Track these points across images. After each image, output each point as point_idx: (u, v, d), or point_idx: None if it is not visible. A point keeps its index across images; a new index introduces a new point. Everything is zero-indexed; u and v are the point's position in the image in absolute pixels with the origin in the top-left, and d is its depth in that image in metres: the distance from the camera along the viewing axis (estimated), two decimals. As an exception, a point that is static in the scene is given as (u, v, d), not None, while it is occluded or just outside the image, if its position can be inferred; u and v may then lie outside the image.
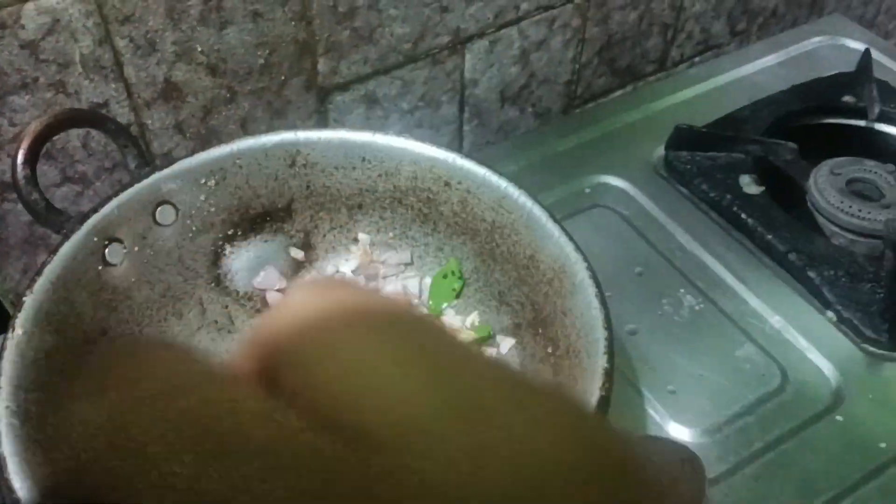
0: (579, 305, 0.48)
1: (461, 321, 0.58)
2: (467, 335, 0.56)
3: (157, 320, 0.54)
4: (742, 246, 0.68)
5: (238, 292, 0.58)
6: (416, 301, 0.59)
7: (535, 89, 0.82)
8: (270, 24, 0.62)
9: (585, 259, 0.49)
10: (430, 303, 0.60)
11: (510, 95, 0.81)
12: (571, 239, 0.50)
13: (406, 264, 0.60)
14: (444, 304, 0.59)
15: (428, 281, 0.60)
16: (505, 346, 0.55)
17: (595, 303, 0.47)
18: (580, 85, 0.86)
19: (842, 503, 0.53)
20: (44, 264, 0.48)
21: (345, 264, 0.61)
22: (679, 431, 0.57)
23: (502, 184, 0.54)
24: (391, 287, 0.60)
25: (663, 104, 0.84)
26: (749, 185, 0.72)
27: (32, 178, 0.49)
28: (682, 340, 0.62)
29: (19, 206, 0.61)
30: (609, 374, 0.43)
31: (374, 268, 0.60)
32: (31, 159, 0.49)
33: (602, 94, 0.89)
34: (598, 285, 0.48)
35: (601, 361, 0.44)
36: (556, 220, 0.52)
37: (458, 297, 0.59)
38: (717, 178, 0.72)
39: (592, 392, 0.43)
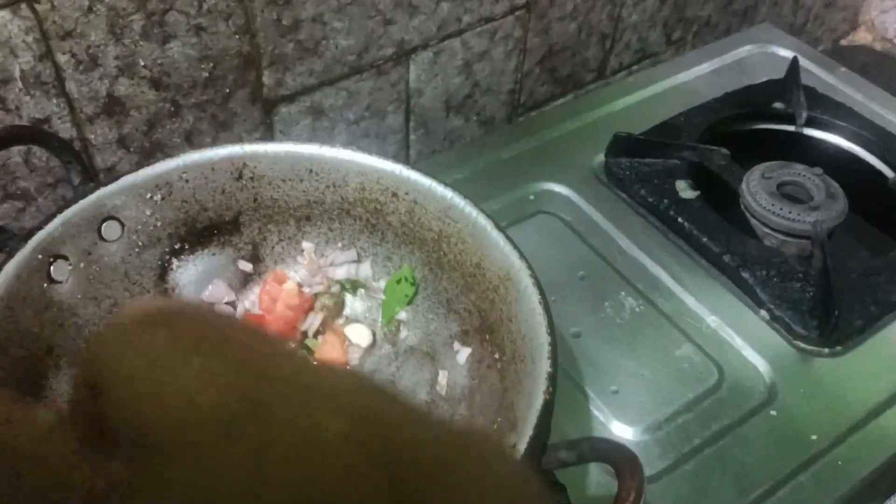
0: (524, 311, 0.50)
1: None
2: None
3: (105, 336, 0.54)
4: (679, 249, 0.71)
5: (186, 306, 0.58)
6: (369, 285, 0.61)
7: (479, 98, 0.84)
8: (214, 38, 0.62)
9: (529, 266, 0.51)
10: (384, 307, 0.61)
11: (455, 105, 0.83)
12: (516, 247, 0.52)
13: (353, 262, 0.61)
14: (397, 309, 0.60)
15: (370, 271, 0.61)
16: (462, 355, 0.56)
17: (539, 309, 0.48)
18: (523, 93, 0.88)
19: (777, 494, 0.56)
20: (-13, 280, 0.48)
21: (293, 276, 0.61)
22: (622, 430, 0.59)
23: (448, 194, 0.55)
24: (342, 272, 0.61)
25: (603, 112, 0.86)
26: (685, 189, 0.74)
27: (-27, 197, 0.49)
28: (624, 341, 0.64)
29: (-41, 223, 0.60)
30: (553, 378, 0.45)
31: (323, 270, 0.61)
32: (-28, 177, 0.49)
33: (544, 102, 0.91)
34: (541, 292, 0.49)
35: (545, 366, 0.45)
36: (500, 229, 0.53)
37: (409, 302, 0.60)
38: (654, 184, 0.75)
39: (537, 395, 0.44)
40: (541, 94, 0.90)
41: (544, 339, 0.47)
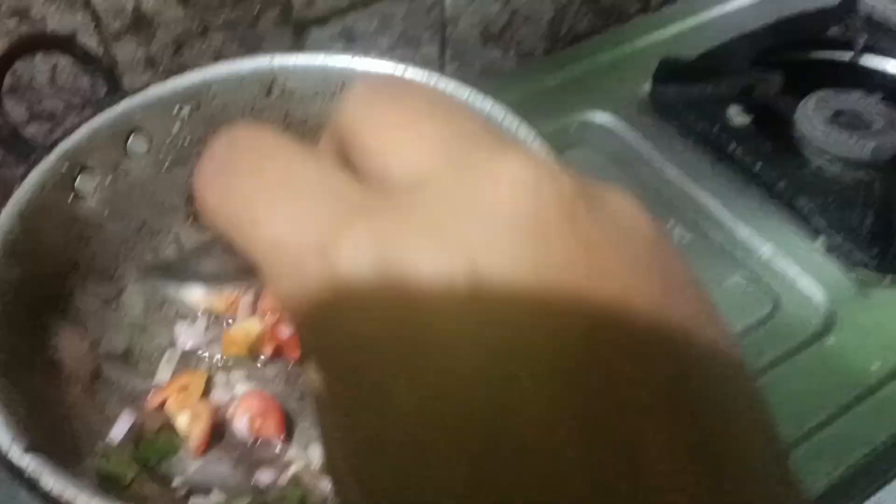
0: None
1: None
2: None
3: (133, 255, 0.52)
4: (730, 177, 0.67)
5: (216, 228, 0.56)
6: None
7: (518, 28, 0.81)
8: (242, -49, 0.59)
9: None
10: None
11: (492, 34, 0.79)
12: (559, 159, 0.49)
13: None
14: None
15: None
16: None
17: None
18: (563, 24, 0.84)
19: (834, 424, 0.53)
20: (10, 192, 0.46)
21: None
22: (670, 359, 0.56)
23: (487, 105, 0.53)
24: None
25: (646, 41, 0.82)
26: (736, 116, 0.70)
27: (-4, 104, 0.47)
28: (671, 271, 0.61)
29: (-16, 144, 0.58)
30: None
31: None
32: (-5, 84, 0.47)
33: (585, 34, 0.87)
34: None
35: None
36: (543, 140, 0.50)
37: None
38: (704, 110, 0.71)
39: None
40: (582, 26, 0.86)
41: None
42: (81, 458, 0.41)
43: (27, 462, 0.36)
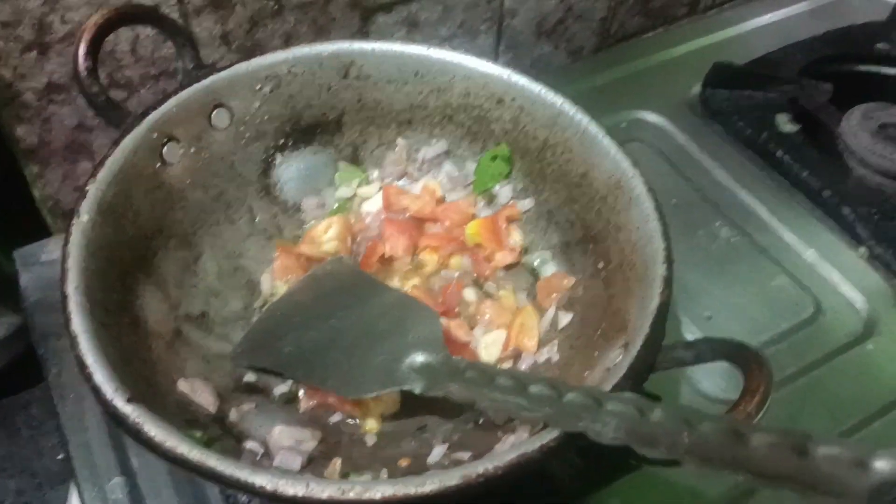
0: (635, 219, 0.49)
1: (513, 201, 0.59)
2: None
3: (210, 224, 0.55)
4: (776, 183, 0.69)
5: (287, 202, 0.58)
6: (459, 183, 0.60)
7: (571, 24, 0.82)
8: (323, -64, 0.61)
9: (642, 174, 0.50)
10: (475, 180, 0.59)
11: (546, 29, 0.81)
12: (628, 155, 0.51)
13: (445, 153, 0.60)
14: (490, 184, 0.59)
15: (471, 165, 0.60)
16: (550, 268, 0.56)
17: (654, 215, 0.47)
18: (614, 23, 0.86)
19: (871, 426, 0.55)
20: (105, 157, 0.48)
21: (388, 172, 0.61)
22: (716, 354, 0.58)
23: (558, 100, 0.54)
24: (427, 179, 0.60)
25: (696, 45, 0.84)
26: (785, 124, 0.72)
27: (94, 71, 0.49)
28: (717, 270, 0.63)
29: (64, 108, 0.61)
30: (668, 282, 0.44)
31: (411, 163, 0.61)
32: (93, 51, 0.49)
33: (634, 34, 0.89)
34: (655, 198, 0.48)
35: (660, 270, 0.45)
36: (611, 137, 0.52)
37: (506, 177, 0.59)
38: (753, 116, 0.73)
39: (652, 298, 0.44)
40: (631, 25, 0.88)
41: (659, 244, 0.46)
42: (167, 410, 0.43)
43: (130, 411, 0.38)
